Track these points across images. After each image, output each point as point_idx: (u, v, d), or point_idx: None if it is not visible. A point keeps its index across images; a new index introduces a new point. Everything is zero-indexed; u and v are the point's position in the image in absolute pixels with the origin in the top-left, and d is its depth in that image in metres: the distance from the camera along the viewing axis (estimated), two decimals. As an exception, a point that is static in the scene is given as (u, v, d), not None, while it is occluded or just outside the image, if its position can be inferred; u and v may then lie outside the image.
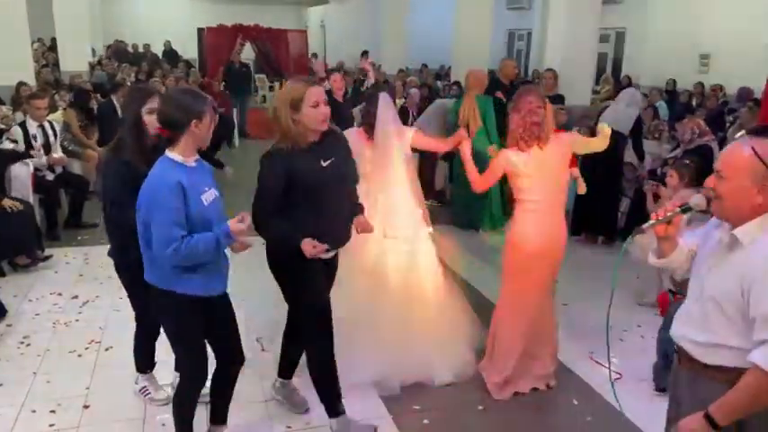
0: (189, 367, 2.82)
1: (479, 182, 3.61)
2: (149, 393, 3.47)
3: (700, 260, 2.02)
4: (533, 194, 3.41)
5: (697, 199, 1.97)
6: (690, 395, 1.98)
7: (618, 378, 3.84)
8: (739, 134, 4.27)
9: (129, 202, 2.71)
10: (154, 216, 2.45)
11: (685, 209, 1.98)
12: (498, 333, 3.65)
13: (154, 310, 2.80)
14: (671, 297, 3.90)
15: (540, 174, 3.38)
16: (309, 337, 3.10)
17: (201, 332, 2.76)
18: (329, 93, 5.87)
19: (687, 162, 4.77)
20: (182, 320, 2.70)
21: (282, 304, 3.24)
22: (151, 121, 2.94)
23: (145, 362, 3.49)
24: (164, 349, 3.29)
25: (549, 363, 3.72)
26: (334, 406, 3.10)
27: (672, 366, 2.17)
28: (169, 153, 2.54)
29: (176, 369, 3.07)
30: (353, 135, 3.91)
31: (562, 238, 3.53)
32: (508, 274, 3.57)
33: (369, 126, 3.91)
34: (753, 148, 1.77)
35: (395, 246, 3.79)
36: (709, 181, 1.89)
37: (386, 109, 3.85)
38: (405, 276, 3.78)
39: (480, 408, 3.51)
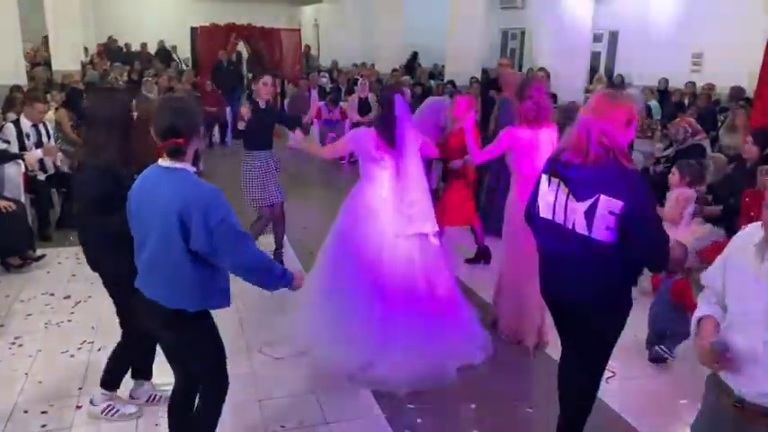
0: (223, 384, 2.69)
1: (479, 154, 4.25)
2: (118, 410, 3.29)
3: (749, 300, 1.85)
4: (531, 165, 3.89)
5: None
6: None
7: (611, 376, 3.87)
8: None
9: (115, 207, 2.70)
10: (219, 227, 2.28)
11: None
12: (517, 294, 4.14)
13: (186, 340, 2.58)
14: (662, 274, 4.00)
15: (539, 149, 3.93)
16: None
17: None
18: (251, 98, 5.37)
19: (691, 162, 4.93)
20: (216, 333, 2.61)
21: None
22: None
23: (119, 380, 3.31)
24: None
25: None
26: None
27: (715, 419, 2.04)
28: (180, 165, 2.38)
29: (206, 393, 2.70)
30: (367, 136, 3.88)
31: None
32: (511, 236, 4.11)
33: (388, 130, 3.80)
34: None
35: (409, 242, 3.84)
36: None
37: (405, 112, 3.84)
38: (419, 270, 3.85)
39: (473, 406, 3.51)
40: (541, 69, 7.98)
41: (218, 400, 2.70)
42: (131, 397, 3.39)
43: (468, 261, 5.75)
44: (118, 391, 3.34)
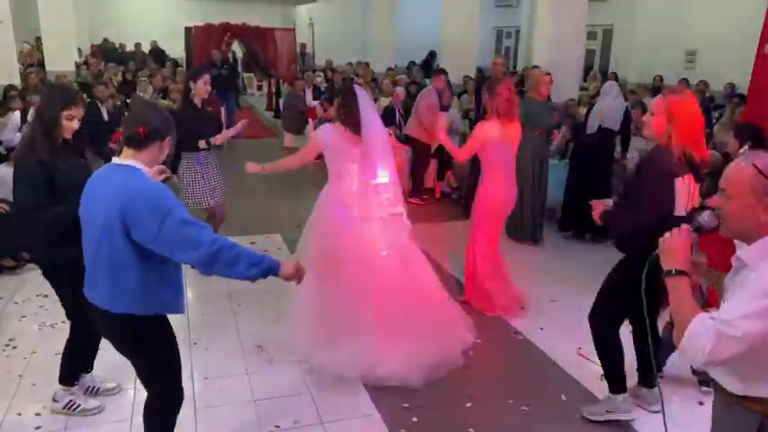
0: (170, 400, 2.60)
1: (460, 153, 4.62)
2: (79, 405, 3.30)
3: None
4: (500, 157, 4.45)
5: (707, 217, 1.90)
6: (723, 424, 1.96)
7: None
8: (742, 150, 4.42)
9: (47, 203, 2.80)
10: (166, 221, 2.21)
11: (697, 227, 1.91)
12: (481, 268, 4.64)
13: (131, 345, 2.52)
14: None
15: (507, 142, 4.44)
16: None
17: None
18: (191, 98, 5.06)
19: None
20: (171, 343, 2.54)
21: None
22: (69, 126, 2.99)
23: (74, 374, 3.35)
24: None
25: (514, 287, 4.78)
26: None
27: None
28: (130, 161, 2.35)
29: (152, 402, 2.61)
30: (335, 130, 3.84)
31: (515, 192, 4.69)
32: (482, 219, 4.60)
33: (353, 122, 3.74)
34: (755, 165, 1.74)
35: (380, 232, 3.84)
36: (715, 201, 1.84)
37: (367, 102, 3.80)
38: (400, 258, 3.87)
39: (468, 405, 3.52)
40: (535, 67, 7.95)
41: (161, 415, 2.60)
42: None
43: None
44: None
